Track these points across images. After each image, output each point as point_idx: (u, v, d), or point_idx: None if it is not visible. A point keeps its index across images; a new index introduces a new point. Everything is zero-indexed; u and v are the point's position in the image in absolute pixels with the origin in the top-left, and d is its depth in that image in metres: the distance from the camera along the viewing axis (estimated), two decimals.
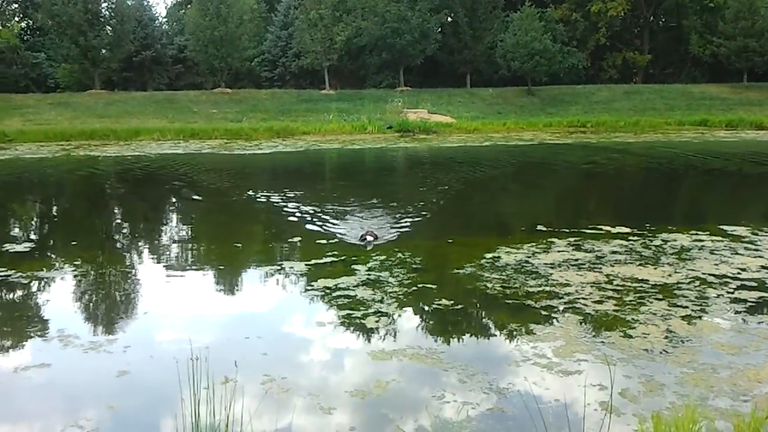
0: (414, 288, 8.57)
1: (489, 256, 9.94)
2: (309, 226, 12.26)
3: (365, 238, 10.29)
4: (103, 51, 44.87)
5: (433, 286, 8.61)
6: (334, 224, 12.35)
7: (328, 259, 9.98)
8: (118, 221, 13.63)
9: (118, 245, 11.87)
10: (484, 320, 7.91)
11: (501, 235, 11.44)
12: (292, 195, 15.87)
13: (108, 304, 8.49)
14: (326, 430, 5.20)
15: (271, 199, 15.21)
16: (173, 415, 4.86)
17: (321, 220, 12.70)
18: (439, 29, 50.19)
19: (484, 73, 50.29)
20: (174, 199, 15.57)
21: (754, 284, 8.44)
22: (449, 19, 51.53)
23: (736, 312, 7.52)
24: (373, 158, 25.48)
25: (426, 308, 7.94)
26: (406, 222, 12.68)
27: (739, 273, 8.93)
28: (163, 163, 22.07)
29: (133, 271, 10.02)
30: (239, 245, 11.08)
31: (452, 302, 8.01)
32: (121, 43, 45.17)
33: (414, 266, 9.62)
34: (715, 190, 18.88)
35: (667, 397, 5.56)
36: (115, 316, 8.05)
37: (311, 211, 13.55)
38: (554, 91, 46.49)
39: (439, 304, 7.95)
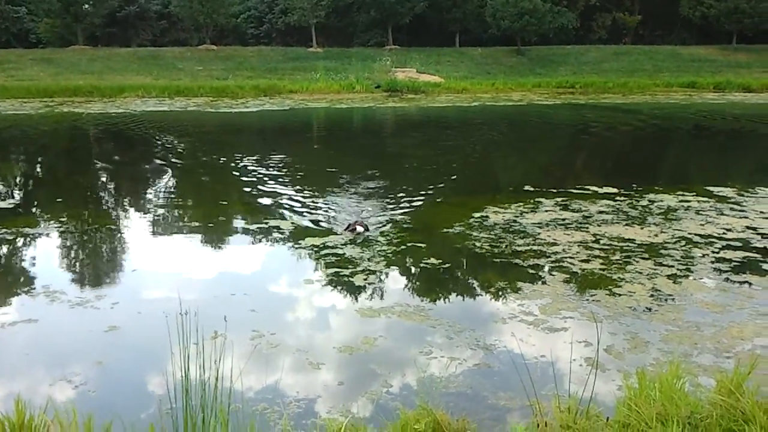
0: (402, 247, 8.58)
1: (477, 215, 9.95)
2: (292, 187, 12.19)
3: (354, 228, 8.98)
4: (86, 6, 43.84)
5: (422, 245, 8.62)
6: (319, 189, 12.29)
7: (316, 217, 9.96)
8: (103, 179, 13.49)
9: (104, 203, 11.76)
10: (471, 279, 7.95)
11: (489, 195, 11.44)
12: (278, 157, 15.76)
13: (94, 261, 8.44)
14: (314, 384, 5.24)
15: (257, 160, 15.09)
16: (162, 370, 4.87)
17: (306, 181, 12.63)
18: None
19: (473, 32, 49.70)
20: (159, 159, 15.40)
21: (738, 244, 8.52)
22: None
23: (721, 271, 7.60)
24: (361, 118, 25.27)
25: (414, 267, 7.96)
26: (394, 183, 12.63)
27: (724, 233, 9.01)
28: (148, 120, 21.77)
29: (119, 228, 9.94)
30: (225, 203, 11.01)
31: (440, 261, 8.03)
32: None
33: (402, 225, 9.62)
34: (702, 152, 18.94)
35: (651, 353, 5.64)
36: (101, 273, 8.01)
37: (295, 173, 13.46)
38: (543, 52, 46.13)
39: (428, 263, 7.97)
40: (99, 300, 6.88)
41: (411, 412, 4.09)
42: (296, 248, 8.58)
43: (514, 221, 9.65)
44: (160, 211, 10.92)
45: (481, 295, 7.39)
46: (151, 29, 52.07)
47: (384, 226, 9.38)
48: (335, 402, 4.97)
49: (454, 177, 13.43)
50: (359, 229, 8.95)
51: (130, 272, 7.94)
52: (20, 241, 8.96)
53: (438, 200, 11.02)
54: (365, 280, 7.40)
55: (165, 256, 8.54)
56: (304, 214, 10.19)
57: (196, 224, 10.11)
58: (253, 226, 9.63)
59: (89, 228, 9.76)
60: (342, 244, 8.52)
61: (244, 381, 4.68)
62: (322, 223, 9.64)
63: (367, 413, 4.75)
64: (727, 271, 7.60)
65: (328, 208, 10.52)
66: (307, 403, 4.95)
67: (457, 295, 7.34)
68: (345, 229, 9.07)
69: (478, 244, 8.66)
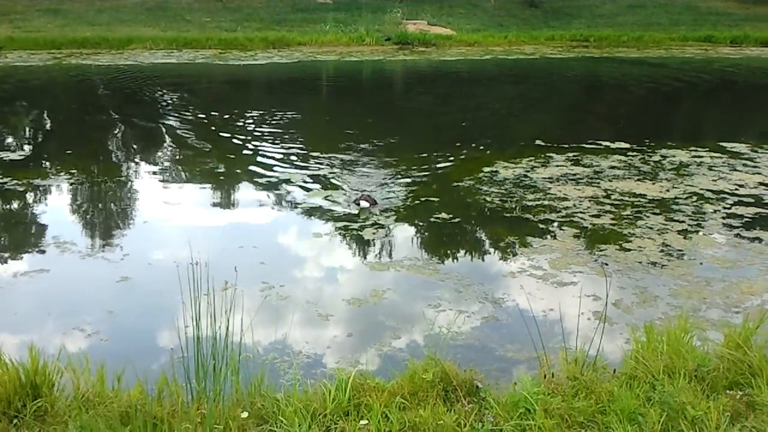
0: (412, 201, 8.56)
1: (487, 170, 9.89)
2: (301, 141, 12.13)
3: (359, 203, 8.27)
4: None
5: (432, 199, 8.59)
6: (326, 146, 12.21)
7: (325, 171, 9.93)
8: (113, 132, 13.44)
9: (114, 155, 11.75)
10: (481, 233, 7.94)
11: (500, 150, 11.34)
12: (287, 113, 15.65)
13: (105, 213, 8.48)
14: (324, 336, 5.29)
15: (265, 115, 14.98)
16: (173, 320, 4.91)
17: (312, 138, 12.54)
18: None
19: None
20: (167, 112, 15.33)
21: (750, 200, 8.45)
22: None
23: (732, 227, 7.56)
24: (370, 72, 24.97)
25: (424, 221, 7.95)
26: (402, 138, 12.54)
27: (736, 189, 8.93)
28: (156, 73, 21.58)
29: (129, 180, 9.96)
30: (233, 156, 10.98)
31: (450, 215, 8.01)
32: None
33: (412, 180, 9.57)
34: (716, 108, 18.66)
35: (660, 308, 5.65)
36: (112, 225, 8.06)
37: (302, 128, 13.36)
38: (557, 4, 45.12)
39: (438, 217, 7.96)
40: (110, 251, 6.93)
41: (419, 363, 4.13)
42: (305, 202, 8.58)
43: (525, 176, 9.59)
44: (170, 163, 10.91)
45: (491, 250, 7.39)
46: None
47: (392, 187, 9.27)
48: (344, 353, 5.03)
49: (465, 132, 13.31)
50: (363, 204, 8.23)
51: (140, 224, 7.98)
52: (31, 193, 9.00)
53: (448, 155, 10.94)
54: (374, 234, 7.40)
55: (175, 208, 8.56)
56: (311, 168, 10.15)
57: (206, 177, 10.09)
58: (263, 180, 9.61)
59: (99, 180, 9.77)
60: (353, 201, 8.50)
61: (255, 332, 4.73)
62: (332, 180, 9.60)
63: (376, 364, 4.80)
64: (738, 227, 7.56)
65: (335, 164, 10.47)
66: (317, 354, 5.01)
67: (466, 250, 7.34)
68: (354, 202, 8.40)
69: (488, 198, 8.63)
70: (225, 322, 3.94)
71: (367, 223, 7.66)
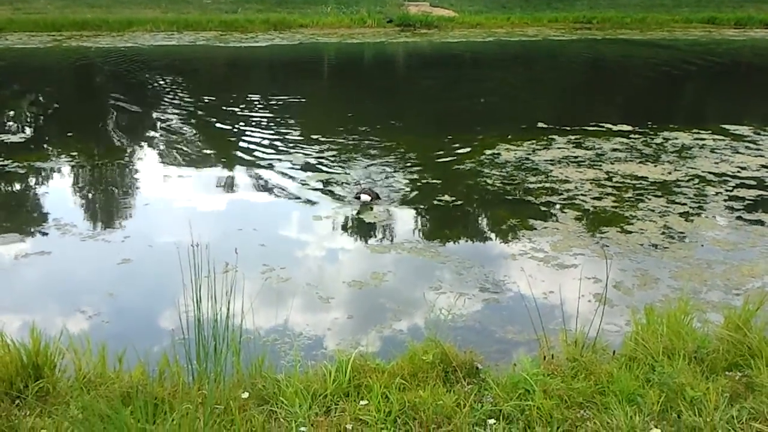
0: (414, 183, 8.54)
1: (489, 152, 9.86)
2: (301, 125, 12.09)
3: (359, 197, 7.77)
4: None
5: (434, 182, 8.58)
6: (325, 129, 12.17)
7: (326, 153, 9.90)
8: (113, 115, 13.41)
9: (114, 138, 11.71)
10: (483, 216, 7.93)
11: (502, 132, 11.29)
12: (290, 98, 15.59)
13: (105, 196, 8.47)
14: (324, 318, 5.30)
15: (268, 97, 14.92)
16: (174, 302, 4.91)
17: (316, 119, 12.49)
18: None
19: None
20: (168, 95, 15.25)
21: (753, 183, 8.43)
22: None
23: (734, 210, 7.54)
24: (372, 54, 24.84)
25: (425, 204, 7.94)
26: (402, 119, 12.49)
27: (738, 171, 8.90)
28: (156, 55, 21.49)
29: (131, 163, 9.94)
30: (233, 140, 10.95)
31: (452, 198, 8.00)
32: None
33: (412, 163, 9.55)
34: (719, 90, 18.55)
35: (660, 290, 5.65)
36: (112, 208, 8.06)
37: (303, 112, 13.31)
38: None
39: (440, 200, 7.95)
40: (110, 233, 6.95)
41: (419, 344, 4.14)
42: (305, 186, 8.56)
43: (527, 158, 9.56)
44: (170, 147, 10.88)
45: (492, 233, 7.39)
46: None
47: (394, 170, 9.24)
48: (344, 335, 5.05)
49: (466, 115, 13.26)
50: (364, 198, 7.70)
51: (141, 206, 7.98)
52: (32, 175, 8.99)
53: (450, 138, 10.91)
54: (375, 216, 7.40)
55: (176, 191, 8.56)
56: (311, 152, 10.12)
57: (206, 160, 10.08)
58: (263, 163, 9.59)
59: (100, 163, 9.76)
60: (354, 183, 8.48)
61: (255, 313, 4.74)
62: (333, 163, 9.58)
63: (376, 346, 4.82)
64: (740, 210, 7.54)
65: (335, 148, 10.44)
66: (317, 336, 5.03)
67: (467, 232, 7.34)
68: (354, 197, 7.92)
69: (490, 181, 8.61)
70: (226, 304, 3.95)
71: (368, 205, 7.65)
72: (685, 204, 7.66)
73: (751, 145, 10.25)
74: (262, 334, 4.88)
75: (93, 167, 9.57)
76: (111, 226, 7.26)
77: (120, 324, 5.24)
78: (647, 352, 4.03)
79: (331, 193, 8.15)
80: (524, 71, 21.03)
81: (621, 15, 36.26)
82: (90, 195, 8.52)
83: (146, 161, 10.03)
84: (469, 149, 10.08)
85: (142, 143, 11.23)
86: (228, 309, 3.95)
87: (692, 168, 9.05)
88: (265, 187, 8.67)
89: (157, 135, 11.64)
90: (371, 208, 7.59)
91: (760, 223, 7.19)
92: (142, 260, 6.32)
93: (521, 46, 25.48)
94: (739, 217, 7.33)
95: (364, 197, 7.71)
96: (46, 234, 6.95)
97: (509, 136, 10.85)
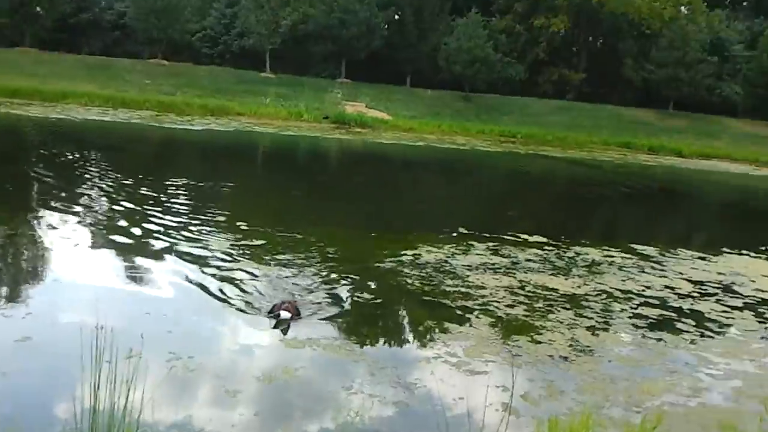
0: (334, 280, 8.56)
1: (410, 253, 10.05)
2: (228, 213, 12.06)
3: (278, 315, 6.77)
4: (38, 8, 42.82)
5: (354, 277, 8.63)
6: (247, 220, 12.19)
7: (245, 242, 9.86)
8: (32, 186, 13.04)
9: (29, 210, 11.35)
10: (400, 316, 7.99)
11: (424, 234, 11.58)
12: (217, 179, 15.61)
13: (12, 269, 8.12)
14: (230, 415, 5.13)
15: (196, 181, 14.89)
16: (72, 387, 4.70)
17: (243, 207, 12.50)
18: (386, 26, 50.34)
19: (425, 73, 50.71)
20: (92, 170, 15.00)
21: (656, 302, 8.85)
22: (396, 17, 51.78)
23: (637, 327, 7.87)
24: (306, 147, 25.31)
25: (344, 300, 7.94)
26: (328, 214, 12.65)
27: (643, 290, 9.34)
28: (87, 129, 21.25)
29: (39, 238, 9.58)
30: (153, 223, 10.76)
31: (371, 296, 8.06)
32: (57, 2, 43.20)
33: (334, 257, 9.62)
34: (629, 210, 19.68)
35: (565, 402, 5.77)
36: (18, 281, 7.71)
37: (233, 197, 13.31)
38: (490, 100, 47.35)
39: (359, 297, 7.98)
40: (12, 308, 6.62)
41: None
42: (222, 275, 8.38)
43: (446, 261, 9.79)
44: (87, 225, 10.54)
45: (408, 333, 7.44)
46: (103, 39, 51.05)
47: (313, 264, 9.23)
48: None
49: (391, 214, 13.55)
50: (284, 315, 6.75)
51: (49, 282, 7.67)
52: None
53: (372, 236, 11.09)
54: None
55: (85, 269, 8.25)
56: (233, 242, 10.08)
57: (122, 242, 9.75)
58: (182, 250, 9.34)
59: (10, 233, 9.39)
60: (268, 272, 8.44)
61: (157, 405, 4.56)
62: (254, 253, 9.54)
63: None
64: (643, 327, 7.87)
65: (259, 237, 10.43)
66: None
67: (384, 331, 7.36)
68: (269, 314, 6.92)
69: (409, 281, 8.74)
70: (125, 394, 3.81)
71: (285, 297, 7.59)
72: (592, 318, 7.96)
73: (656, 266, 10.84)
74: (161, 428, 4.68)
75: (3, 237, 9.18)
76: (14, 300, 6.93)
77: (8, 406, 4.91)
78: None
79: (244, 281, 8.05)
80: (451, 177, 21.81)
81: (544, 132, 38.48)
82: None
83: (58, 236, 9.68)
84: (391, 248, 10.25)
85: (57, 217, 10.86)
86: (127, 399, 3.81)
87: (600, 283, 9.46)
88: (180, 274, 8.39)
89: (76, 212, 11.30)
90: (289, 326, 6.80)
91: (662, 341, 7.51)
92: (42, 339, 6.02)
93: (449, 154, 26.51)
94: (642, 335, 7.64)
95: (284, 314, 6.78)
96: None
97: (432, 239, 11.13)
